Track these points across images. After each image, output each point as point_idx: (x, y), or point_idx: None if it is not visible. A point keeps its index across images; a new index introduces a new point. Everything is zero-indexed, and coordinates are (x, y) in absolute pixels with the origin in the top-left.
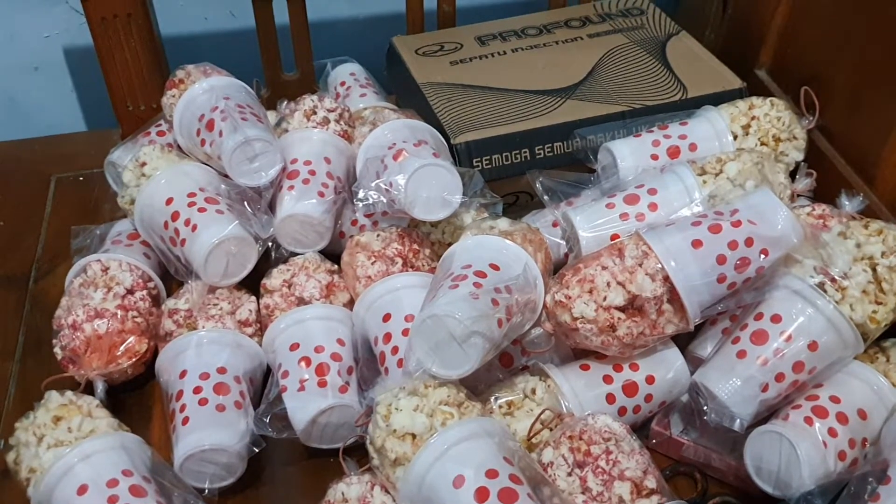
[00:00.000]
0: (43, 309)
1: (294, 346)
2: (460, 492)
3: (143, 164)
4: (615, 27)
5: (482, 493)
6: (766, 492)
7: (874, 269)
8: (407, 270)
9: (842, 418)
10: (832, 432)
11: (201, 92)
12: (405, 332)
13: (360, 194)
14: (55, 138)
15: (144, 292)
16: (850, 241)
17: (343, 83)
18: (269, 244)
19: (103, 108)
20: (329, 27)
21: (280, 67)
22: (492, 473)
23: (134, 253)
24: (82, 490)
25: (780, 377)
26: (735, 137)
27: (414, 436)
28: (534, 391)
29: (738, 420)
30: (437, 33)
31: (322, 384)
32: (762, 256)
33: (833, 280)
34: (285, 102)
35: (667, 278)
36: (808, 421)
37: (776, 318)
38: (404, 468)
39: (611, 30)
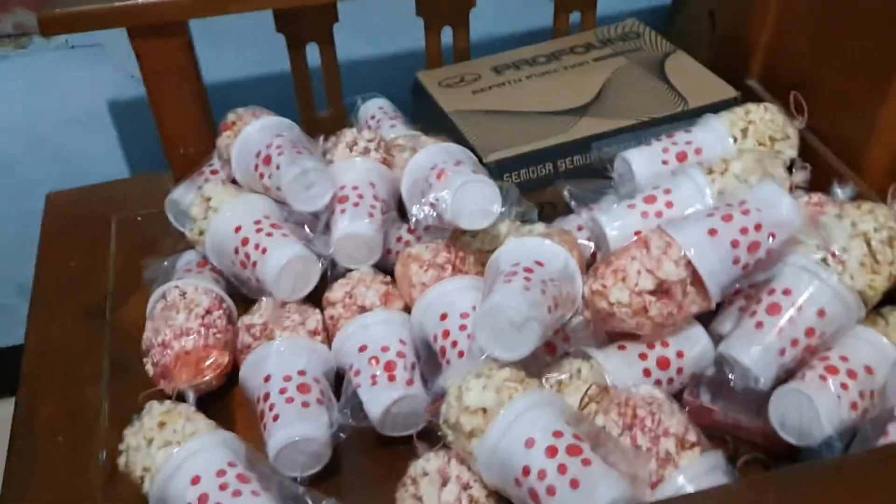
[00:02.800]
0: (122, 336)
1: (363, 348)
2: (532, 451)
3: (209, 198)
4: (616, 51)
5: (552, 450)
6: (792, 443)
7: (869, 244)
8: (456, 275)
9: (851, 374)
10: (844, 386)
11: (255, 131)
12: (462, 328)
13: (414, 210)
14: (110, 184)
15: (221, 311)
16: (846, 220)
17: (373, 116)
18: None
19: (146, 155)
20: (353, 67)
21: (314, 107)
22: (558, 434)
23: (206, 278)
24: (196, 480)
25: (794, 343)
26: (735, 140)
27: (485, 410)
28: (579, 371)
29: (762, 380)
30: (457, 66)
31: (391, 378)
32: (770, 239)
33: (834, 255)
34: (322, 137)
35: (689, 264)
36: (823, 378)
37: (787, 292)
38: (479, 439)
39: (612, 53)
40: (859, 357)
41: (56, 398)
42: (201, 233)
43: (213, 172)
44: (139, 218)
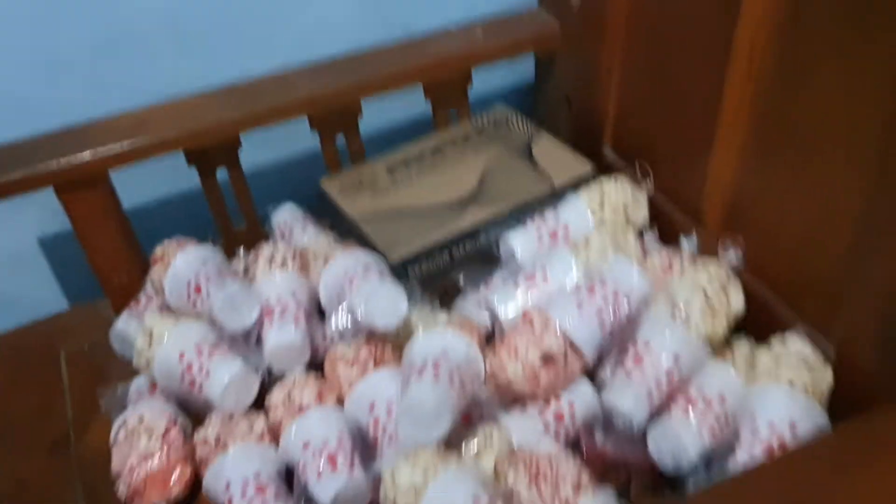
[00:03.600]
0: (89, 464)
1: (306, 445)
2: None
3: (151, 330)
4: (490, 138)
5: None
6: (669, 471)
7: (706, 295)
8: (378, 367)
9: (708, 404)
10: (703, 416)
11: (182, 264)
12: (389, 414)
13: (333, 320)
14: (51, 319)
15: (177, 429)
16: (687, 277)
17: (286, 222)
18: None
19: (80, 284)
20: (259, 176)
21: (230, 222)
22: (477, 500)
23: (159, 401)
24: None
25: (658, 385)
26: (595, 212)
27: (416, 489)
28: (491, 436)
29: (637, 421)
30: (355, 171)
31: (334, 468)
32: (627, 304)
33: (680, 309)
34: (242, 252)
35: (566, 335)
36: (685, 412)
37: (647, 344)
38: None
39: (487, 141)
40: (713, 388)
41: None
42: (148, 362)
43: (148, 300)
44: (86, 347)
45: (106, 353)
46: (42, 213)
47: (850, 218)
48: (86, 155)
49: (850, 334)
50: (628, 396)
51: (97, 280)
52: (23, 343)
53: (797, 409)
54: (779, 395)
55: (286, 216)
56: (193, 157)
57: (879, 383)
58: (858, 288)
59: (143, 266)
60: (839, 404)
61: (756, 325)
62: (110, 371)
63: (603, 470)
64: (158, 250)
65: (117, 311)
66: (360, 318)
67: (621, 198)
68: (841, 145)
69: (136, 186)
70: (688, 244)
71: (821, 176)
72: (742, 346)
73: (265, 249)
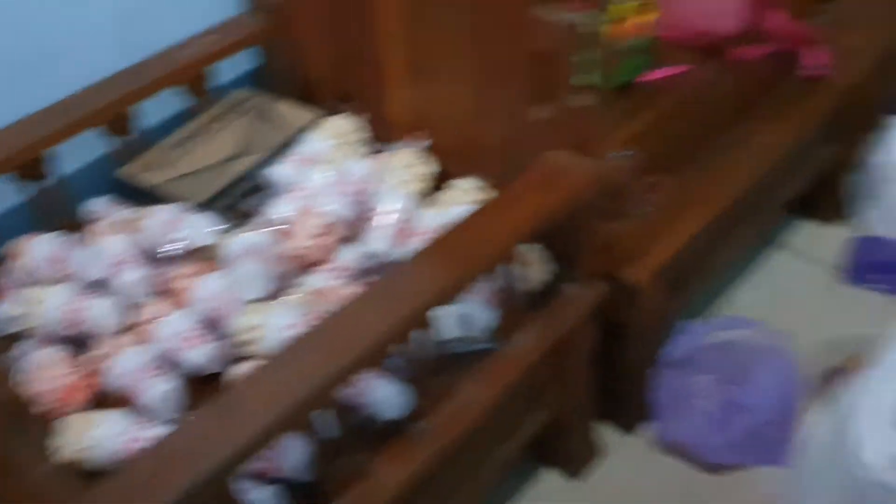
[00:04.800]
0: (11, 406)
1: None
2: None
3: (32, 298)
4: (241, 112)
5: None
6: None
7: (409, 169)
8: (210, 273)
9: (425, 232)
10: (421, 239)
11: (44, 247)
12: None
13: (166, 252)
14: None
15: (71, 356)
16: (396, 162)
17: (99, 211)
18: None
19: None
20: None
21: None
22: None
23: (49, 347)
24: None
25: (394, 228)
26: (328, 140)
27: (257, 326)
28: (301, 287)
29: (387, 254)
30: (145, 156)
31: (197, 345)
32: (365, 187)
33: (397, 182)
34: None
35: (334, 213)
36: (409, 239)
37: (384, 207)
38: None
39: (239, 114)
40: (427, 223)
41: None
42: (36, 320)
43: (10, 287)
44: None
45: None
46: None
47: (472, 104)
48: None
49: (496, 171)
50: (379, 240)
51: None
52: None
53: None
54: (459, 212)
55: (98, 206)
56: (25, 174)
57: None
58: (489, 141)
59: None
60: None
61: (443, 180)
62: None
63: None
64: (13, 247)
65: None
66: (190, 246)
67: (343, 128)
68: (457, 64)
69: None
70: (393, 147)
71: (452, 84)
72: (438, 193)
73: (101, 223)
